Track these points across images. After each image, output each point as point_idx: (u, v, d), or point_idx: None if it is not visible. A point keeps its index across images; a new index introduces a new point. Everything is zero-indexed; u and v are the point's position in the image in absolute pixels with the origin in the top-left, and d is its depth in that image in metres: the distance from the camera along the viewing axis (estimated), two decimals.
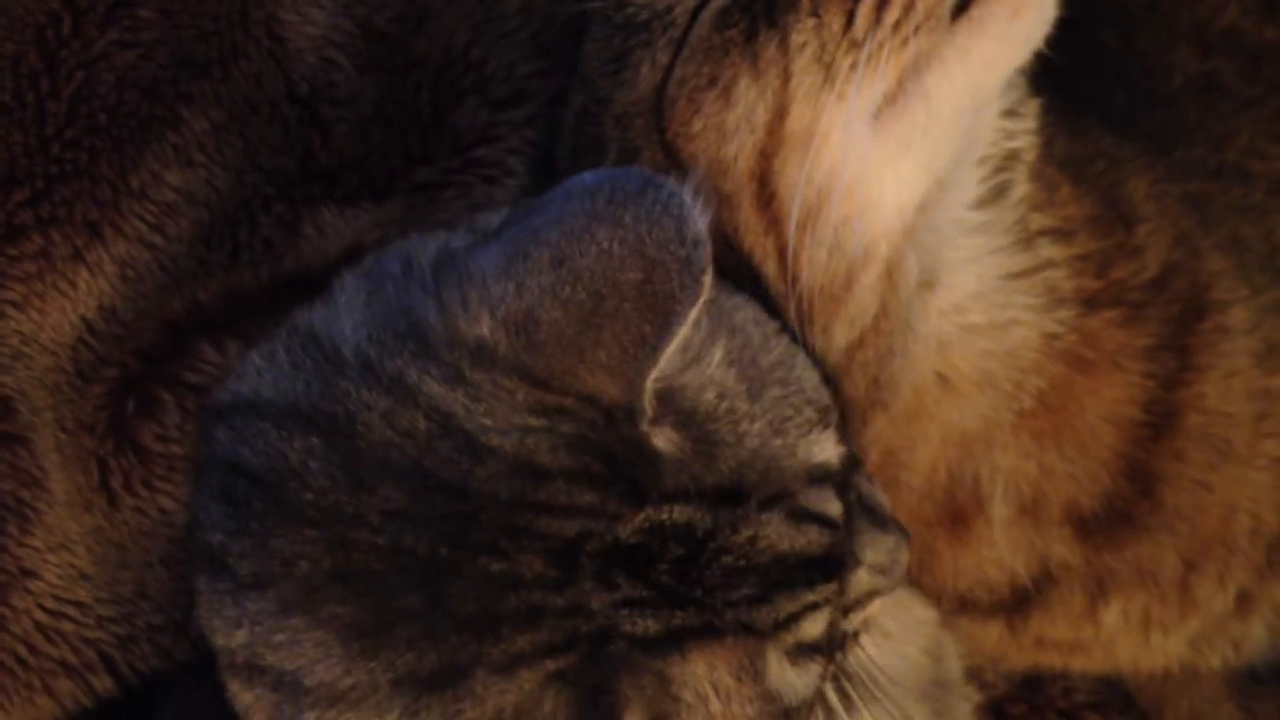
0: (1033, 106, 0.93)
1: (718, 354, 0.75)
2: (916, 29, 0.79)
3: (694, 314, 0.70)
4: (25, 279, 1.04)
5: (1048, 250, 0.93)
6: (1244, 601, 0.99)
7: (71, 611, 1.04)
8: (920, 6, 0.80)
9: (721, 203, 0.84)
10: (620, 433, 0.70)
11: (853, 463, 0.81)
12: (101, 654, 1.04)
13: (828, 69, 0.81)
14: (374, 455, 0.71)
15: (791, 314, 0.84)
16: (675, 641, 0.71)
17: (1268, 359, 0.96)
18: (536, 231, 0.69)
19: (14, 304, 1.04)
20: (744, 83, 0.83)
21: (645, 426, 0.71)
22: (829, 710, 0.83)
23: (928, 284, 0.89)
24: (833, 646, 0.78)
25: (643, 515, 0.71)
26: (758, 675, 0.73)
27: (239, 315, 1.06)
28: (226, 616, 0.75)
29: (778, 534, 0.73)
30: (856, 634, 0.83)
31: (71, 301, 1.06)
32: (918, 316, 0.89)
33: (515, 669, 0.69)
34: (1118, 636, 1.00)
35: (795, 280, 0.84)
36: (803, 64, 0.82)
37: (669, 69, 0.85)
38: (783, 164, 0.83)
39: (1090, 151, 0.99)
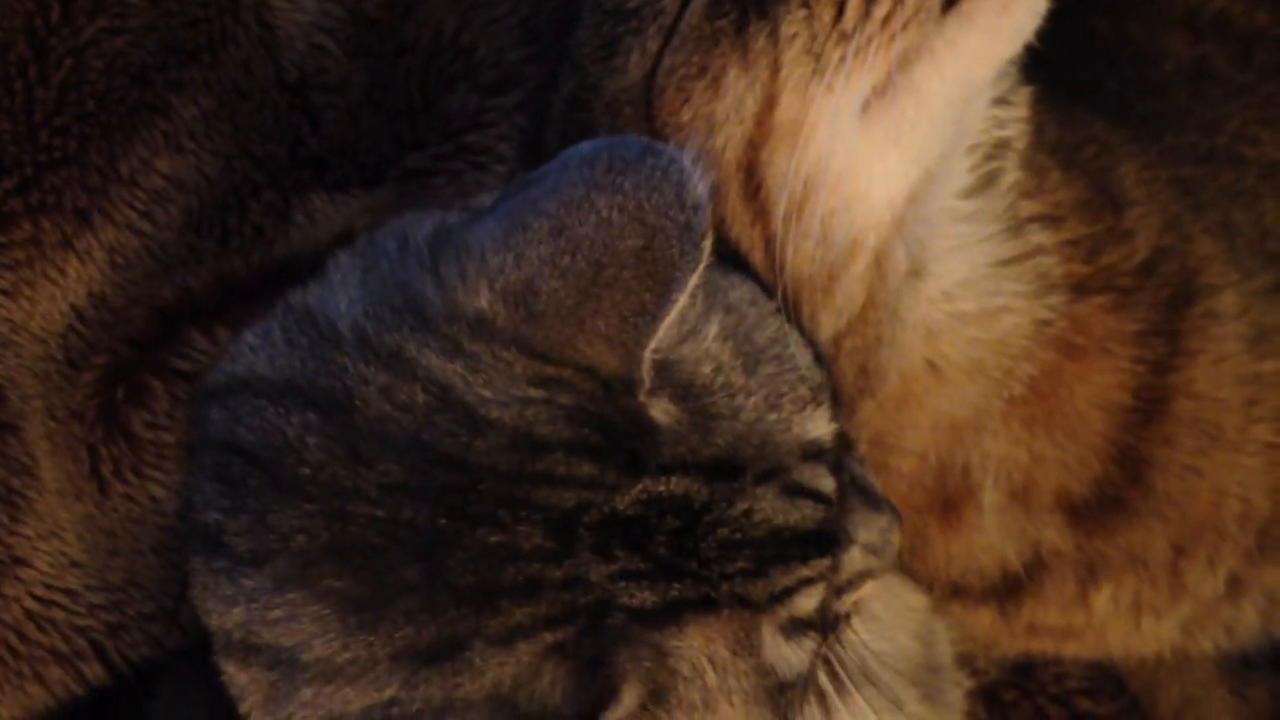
0: (1024, 95, 0.94)
1: (713, 328, 0.76)
2: (906, 23, 0.80)
3: (694, 280, 0.71)
4: (14, 267, 1.05)
5: (1037, 236, 0.94)
6: (1235, 586, 1.00)
7: (62, 599, 1.05)
8: (910, 0, 0.81)
9: None
10: (618, 404, 0.71)
11: (845, 443, 0.82)
12: (92, 642, 1.05)
13: (817, 60, 0.82)
14: (372, 429, 0.72)
15: (778, 302, 0.85)
16: (672, 614, 0.72)
17: (1258, 344, 0.97)
18: (535, 202, 0.70)
19: (3, 292, 1.05)
20: (733, 73, 0.84)
21: (643, 398, 0.72)
22: (820, 693, 0.84)
23: (916, 273, 0.90)
24: (826, 625, 0.79)
25: (640, 487, 0.71)
26: (753, 649, 0.74)
27: (229, 302, 1.07)
28: (222, 595, 0.75)
29: (772, 508, 0.74)
30: (848, 616, 0.84)
31: (61, 289, 1.07)
32: (906, 305, 0.90)
33: (513, 641, 0.70)
34: (1109, 621, 1.01)
35: (781, 270, 0.85)
36: (792, 55, 0.82)
37: (658, 57, 0.86)
38: (770, 155, 0.84)
39: (1080, 137, 1.00)
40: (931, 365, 0.93)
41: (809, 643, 0.77)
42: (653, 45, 0.86)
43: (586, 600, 0.71)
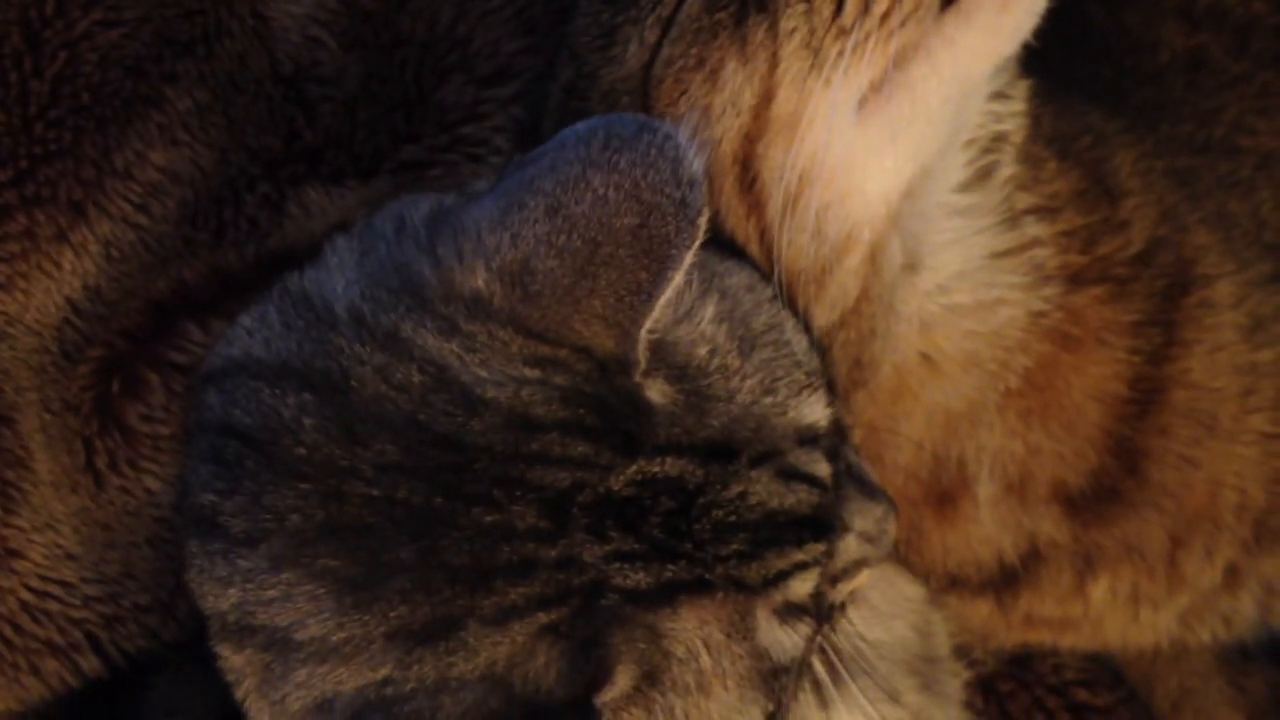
0: (1022, 89, 0.94)
1: (709, 311, 0.76)
2: (904, 20, 0.81)
3: (689, 258, 0.72)
4: (9, 259, 1.06)
5: (1033, 228, 0.94)
6: (1232, 576, 1.01)
7: (57, 591, 1.05)
8: None
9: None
10: (614, 384, 0.72)
11: (841, 431, 0.83)
12: (88, 634, 1.05)
13: (815, 55, 0.82)
14: (368, 409, 0.72)
15: (775, 291, 0.86)
16: (666, 595, 0.72)
17: (1254, 333, 0.98)
18: (531, 181, 0.71)
19: None
20: (731, 66, 0.84)
21: (638, 378, 0.73)
22: (816, 683, 0.85)
23: (911, 266, 0.90)
24: (821, 612, 0.80)
25: (635, 467, 0.72)
26: (747, 632, 0.75)
27: (224, 295, 1.07)
28: (218, 577, 0.76)
29: (767, 491, 0.75)
30: (844, 606, 0.85)
31: (56, 282, 1.08)
32: (900, 298, 0.91)
33: (507, 621, 0.71)
34: (1106, 613, 1.02)
35: (776, 263, 0.85)
36: (791, 49, 0.83)
37: (656, 48, 0.87)
38: (766, 148, 0.85)
39: (1076, 127, 1.01)
40: (926, 358, 0.93)
41: (804, 627, 0.78)
42: (651, 36, 0.87)
43: (580, 581, 0.72)
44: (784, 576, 0.76)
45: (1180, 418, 0.96)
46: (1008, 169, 0.93)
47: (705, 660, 0.73)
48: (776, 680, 0.77)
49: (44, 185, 1.06)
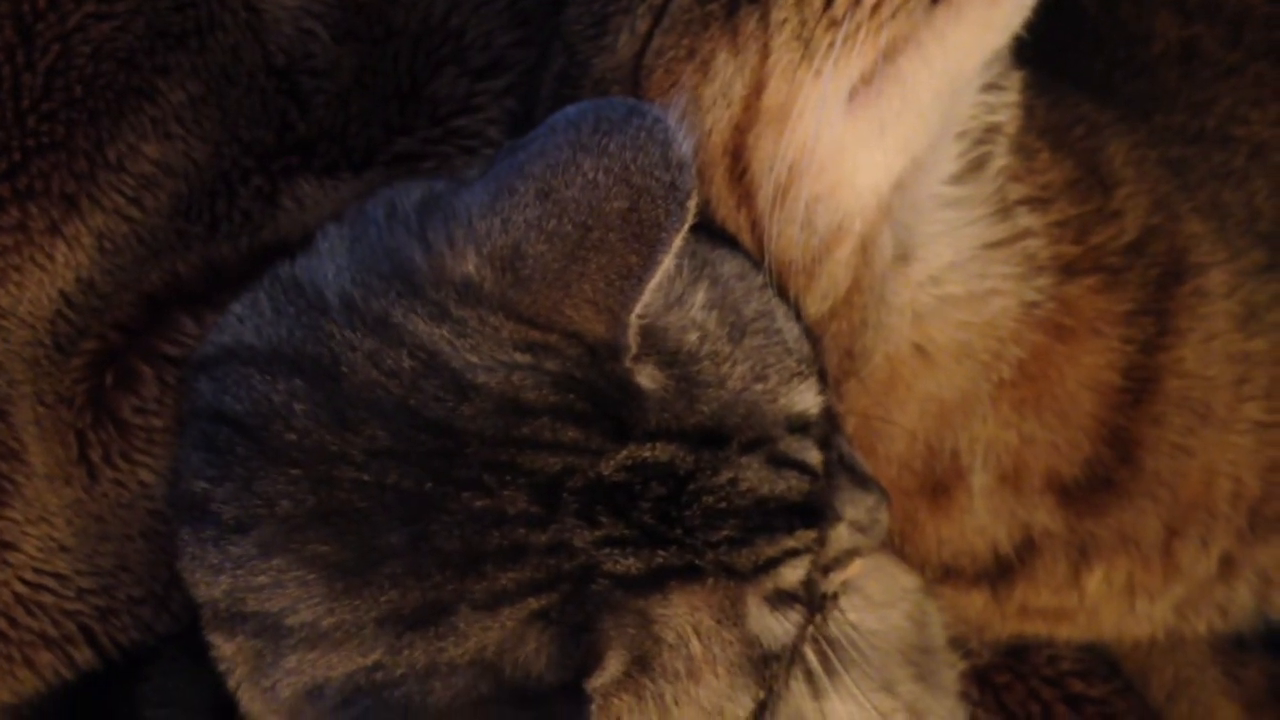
0: (1015, 80, 0.95)
1: (699, 297, 0.77)
2: (895, 12, 0.81)
3: (679, 241, 0.72)
4: (2, 252, 1.07)
5: (1026, 219, 0.95)
6: (1227, 566, 1.01)
7: (51, 584, 1.06)
8: None
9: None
10: (604, 369, 0.72)
11: (833, 420, 0.83)
12: (81, 626, 1.06)
13: (806, 46, 0.83)
14: (359, 395, 0.73)
15: (766, 280, 0.86)
16: (657, 581, 0.73)
17: (1248, 322, 0.98)
18: (521, 166, 0.72)
19: None
20: (723, 57, 0.85)
21: (629, 363, 0.73)
22: (809, 673, 0.85)
23: (903, 258, 0.91)
24: (813, 600, 0.80)
25: (625, 452, 0.73)
26: (738, 618, 0.75)
27: (218, 287, 1.07)
28: (209, 564, 0.77)
29: (758, 477, 0.76)
30: (836, 596, 0.85)
31: (49, 274, 1.08)
32: (892, 290, 0.91)
33: (498, 607, 0.71)
34: (1101, 603, 1.02)
35: (767, 253, 0.86)
36: (782, 40, 0.83)
37: (647, 38, 0.87)
38: (757, 139, 0.85)
39: (1069, 118, 1.01)
40: (919, 349, 0.94)
41: (794, 615, 0.78)
42: (642, 25, 0.87)
43: (571, 566, 0.72)
44: (774, 563, 0.76)
45: (1174, 406, 0.96)
46: (1000, 160, 0.94)
47: (695, 646, 0.74)
48: (767, 667, 0.77)
49: (37, 178, 1.07)
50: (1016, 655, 1.13)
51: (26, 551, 1.05)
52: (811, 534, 0.78)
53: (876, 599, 0.96)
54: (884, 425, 0.95)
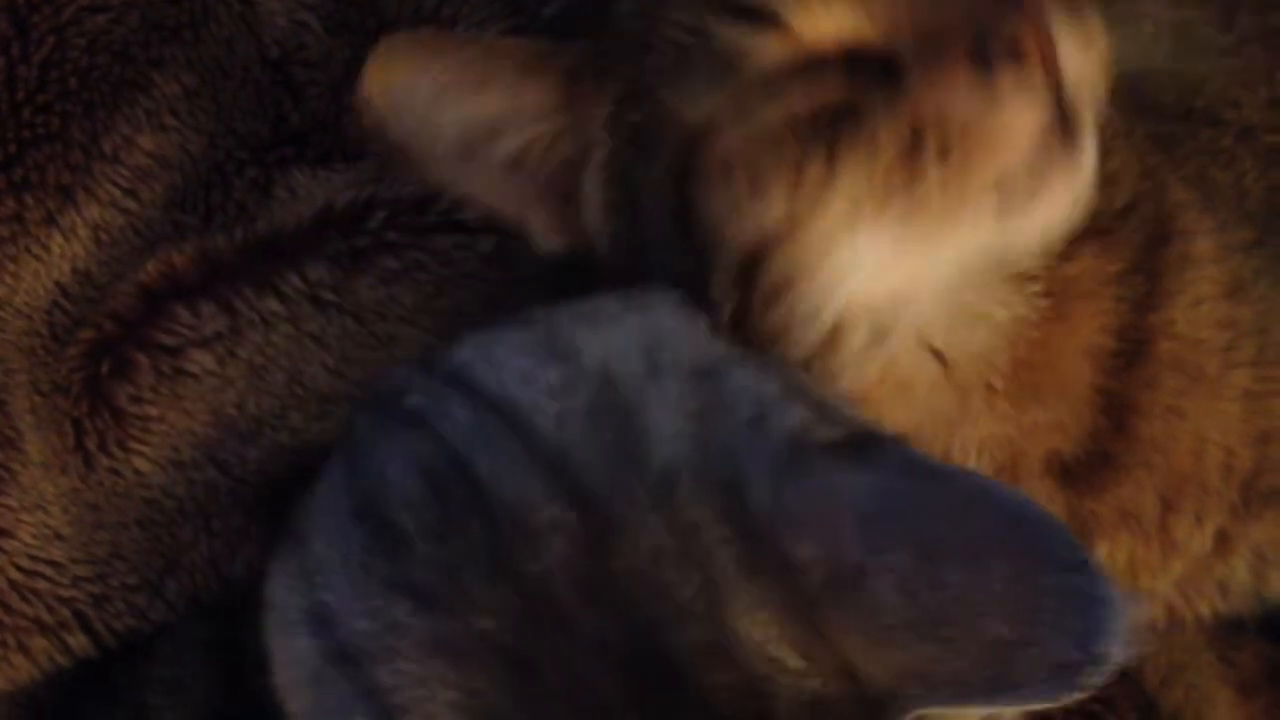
0: None
1: None
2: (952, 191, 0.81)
3: None
4: None
5: None
6: (1223, 543, 1.01)
7: (46, 571, 1.07)
8: (958, 179, 0.81)
9: None
10: (863, 708, 0.66)
11: None
12: (76, 613, 1.07)
13: (857, 199, 0.82)
14: (620, 580, 0.66)
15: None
16: None
17: (1235, 292, 0.98)
18: (900, 507, 0.66)
19: None
20: (779, 181, 0.84)
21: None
22: None
23: (882, 334, 0.89)
24: None
25: None
26: None
27: (213, 278, 1.09)
28: (358, 592, 0.68)
29: None
30: None
31: (45, 265, 1.10)
32: (868, 358, 0.89)
33: None
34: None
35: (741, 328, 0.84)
36: (839, 185, 0.83)
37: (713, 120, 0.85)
38: (776, 258, 0.84)
39: None
40: (900, 385, 0.93)
41: None
42: (711, 103, 0.85)
43: None
44: None
45: (1166, 369, 0.96)
46: None
47: None
48: None
49: (32, 170, 1.08)
50: None
51: (21, 539, 1.07)
52: None
53: None
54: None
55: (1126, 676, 1.11)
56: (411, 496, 0.70)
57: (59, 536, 1.07)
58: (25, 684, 1.07)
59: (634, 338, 0.75)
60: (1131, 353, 0.96)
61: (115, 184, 1.11)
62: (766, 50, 0.84)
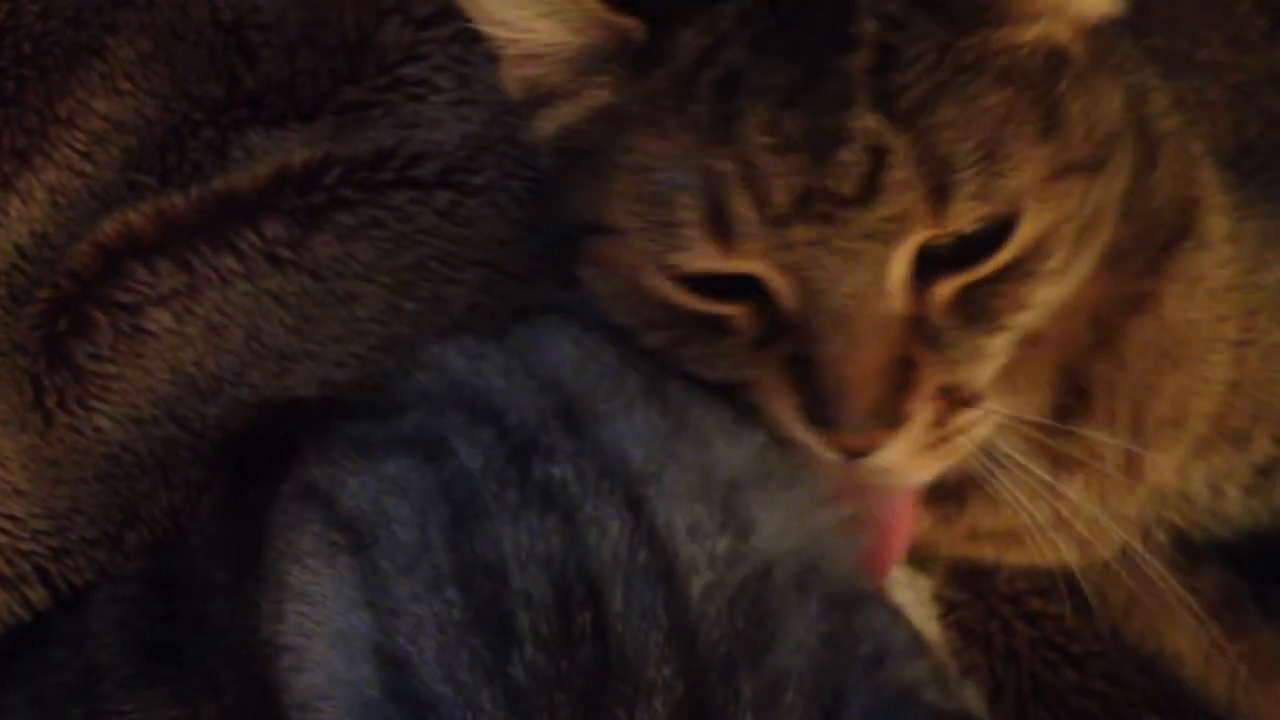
0: None
1: None
2: None
3: None
4: None
5: None
6: (1183, 469, 1.02)
7: (6, 525, 1.08)
8: None
9: None
10: None
11: None
12: (36, 567, 1.08)
13: None
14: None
15: None
16: None
17: (1232, 257, 0.98)
18: None
19: None
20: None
21: None
22: None
23: None
24: None
25: None
26: None
27: (169, 236, 1.10)
28: (445, 659, 0.69)
29: None
30: None
31: (3, 229, 1.12)
32: None
33: None
34: (1079, 511, 1.02)
35: None
36: None
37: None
38: None
39: None
40: None
41: None
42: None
43: None
44: None
45: (1138, 355, 0.96)
46: None
47: None
48: None
49: None
50: (974, 577, 1.13)
51: None
52: None
53: None
54: None
55: (1090, 608, 1.11)
56: (533, 594, 0.70)
57: (18, 492, 1.08)
58: None
59: (793, 538, 0.75)
60: (1103, 341, 0.95)
61: (71, 148, 1.12)
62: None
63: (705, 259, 0.79)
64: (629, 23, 0.82)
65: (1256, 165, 1.03)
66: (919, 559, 1.06)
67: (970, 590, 1.11)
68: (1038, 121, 0.78)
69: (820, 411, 0.78)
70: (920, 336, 0.79)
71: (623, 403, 0.77)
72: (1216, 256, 0.96)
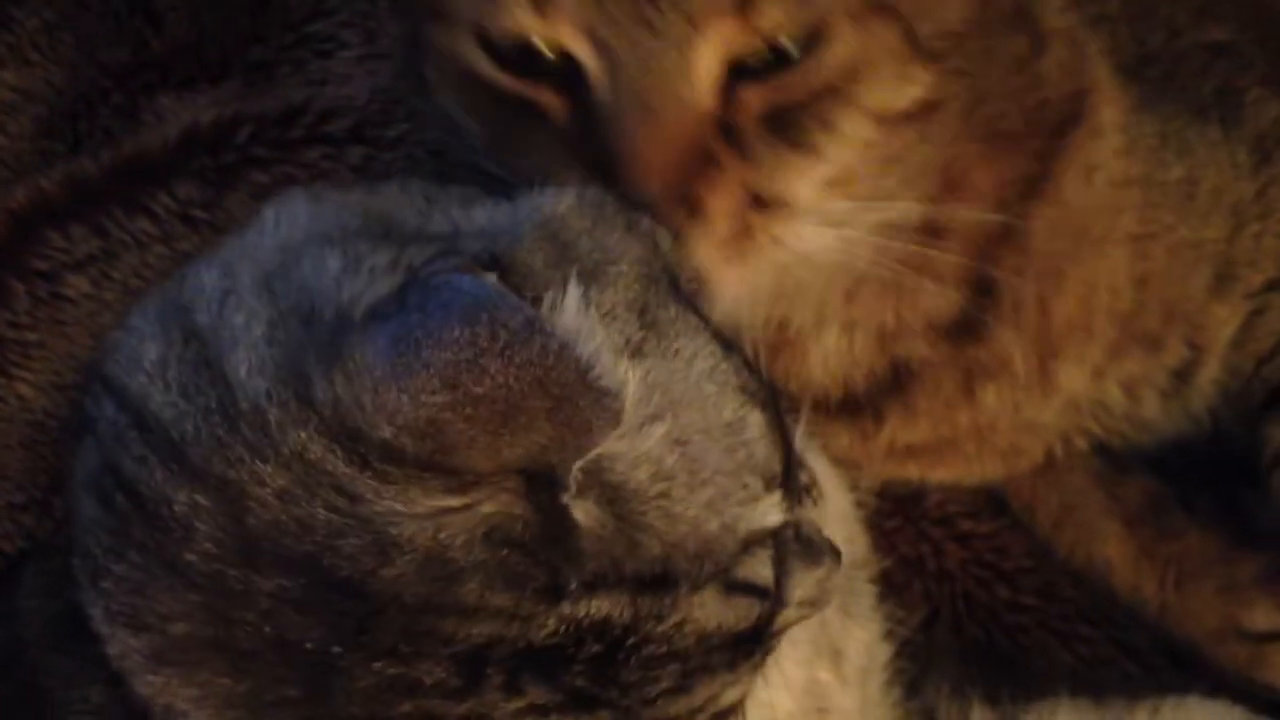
0: None
1: (659, 431, 0.71)
2: None
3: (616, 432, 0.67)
4: None
5: None
6: (1097, 376, 1.03)
7: None
8: None
9: None
10: (539, 504, 0.67)
11: (797, 506, 0.78)
12: None
13: None
14: (267, 537, 0.66)
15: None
16: None
17: (1130, 149, 0.99)
18: (419, 348, 0.63)
19: None
20: None
21: (566, 499, 0.67)
22: None
23: None
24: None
25: (558, 614, 0.67)
26: None
27: (82, 201, 1.11)
28: (98, 621, 0.70)
29: (706, 615, 0.71)
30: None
31: None
32: None
33: None
34: (998, 420, 1.03)
35: None
36: None
37: None
38: None
39: None
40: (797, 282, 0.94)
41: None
42: None
43: None
44: (713, 700, 0.72)
45: (1043, 239, 0.97)
46: None
47: None
48: None
49: None
50: (905, 502, 1.15)
51: None
52: (755, 660, 0.74)
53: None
54: None
55: (1019, 526, 1.13)
56: (93, 516, 0.71)
57: None
58: None
59: (216, 270, 0.74)
60: (1004, 233, 0.97)
61: None
62: None
63: (520, 14, 0.80)
64: None
65: (1160, 74, 1.05)
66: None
67: (900, 515, 1.12)
68: None
69: (614, 187, 0.79)
70: (728, 142, 0.81)
71: None
72: (1111, 145, 0.98)
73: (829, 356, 0.99)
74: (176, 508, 0.67)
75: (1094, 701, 1.00)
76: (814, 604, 0.79)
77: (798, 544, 0.78)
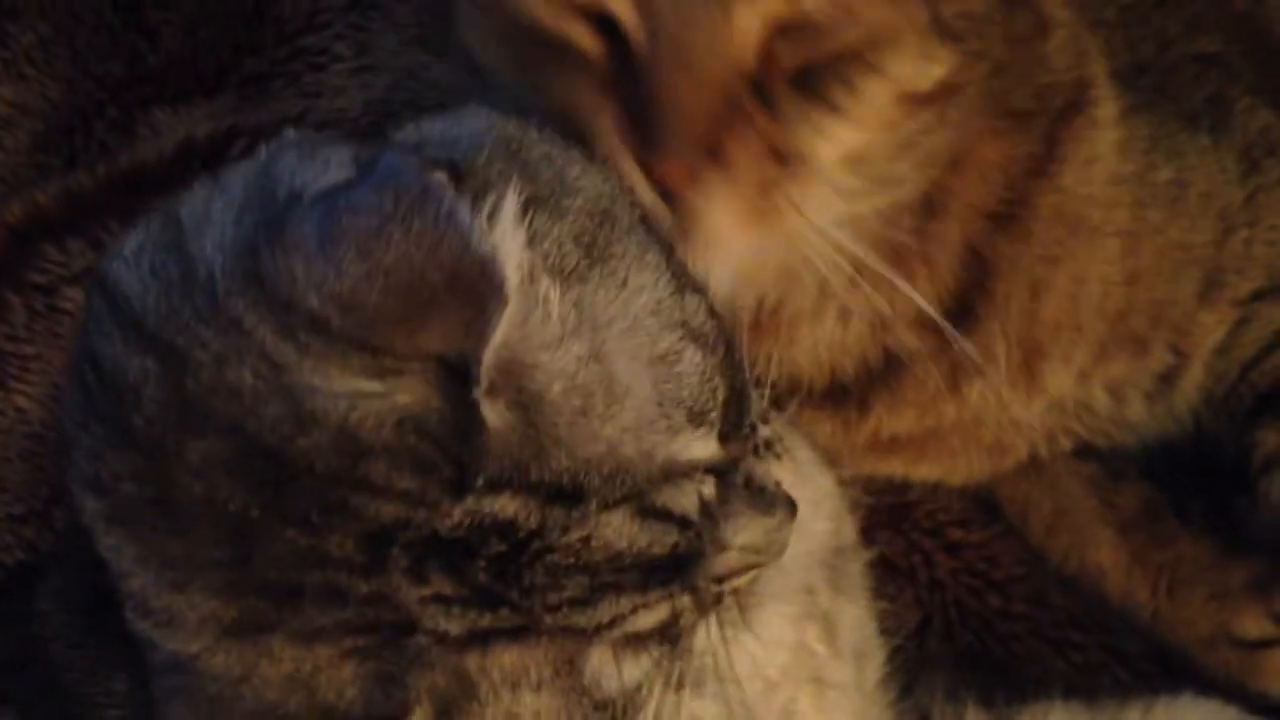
0: None
1: (578, 348, 0.74)
2: None
3: (505, 319, 0.70)
4: None
5: None
6: (1082, 378, 1.05)
7: None
8: None
9: None
10: (450, 397, 0.70)
11: (740, 450, 0.81)
12: None
13: None
14: (201, 400, 0.71)
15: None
16: (481, 640, 0.72)
17: (1127, 147, 1.01)
18: (341, 216, 0.69)
19: None
20: None
21: (477, 394, 0.70)
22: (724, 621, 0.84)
23: None
24: (674, 634, 0.78)
25: (463, 506, 0.70)
26: (574, 671, 0.74)
27: (78, 215, 1.13)
28: (75, 490, 0.75)
29: (616, 534, 0.73)
30: (734, 591, 0.83)
31: None
32: None
33: (313, 642, 0.71)
34: (983, 414, 1.04)
35: None
36: None
37: None
38: None
39: None
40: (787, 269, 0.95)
41: (647, 656, 0.77)
42: None
43: (391, 618, 0.71)
44: (623, 618, 0.74)
45: (1043, 223, 0.98)
46: None
47: (521, 701, 0.73)
48: (611, 706, 0.76)
49: None
50: (896, 514, 1.16)
51: None
52: (669, 589, 0.75)
53: (803, 511, 0.93)
54: None
55: (1012, 533, 1.14)
56: (75, 396, 0.76)
57: None
58: None
59: (209, 183, 0.78)
60: (1007, 214, 0.99)
61: None
62: None
63: None
64: None
65: (1151, 84, 1.06)
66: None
67: (891, 527, 1.13)
68: None
69: (646, 130, 0.81)
70: (758, 98, 0.83)
71: None
72: (1109, 139, 1.00)
73: (822, 343, 1.00)
74: (131, 375, 0.72)
75: (1086, 704, 1.01)
76: (761, 552, 0.81)
77: (747, 490, 0.80)
